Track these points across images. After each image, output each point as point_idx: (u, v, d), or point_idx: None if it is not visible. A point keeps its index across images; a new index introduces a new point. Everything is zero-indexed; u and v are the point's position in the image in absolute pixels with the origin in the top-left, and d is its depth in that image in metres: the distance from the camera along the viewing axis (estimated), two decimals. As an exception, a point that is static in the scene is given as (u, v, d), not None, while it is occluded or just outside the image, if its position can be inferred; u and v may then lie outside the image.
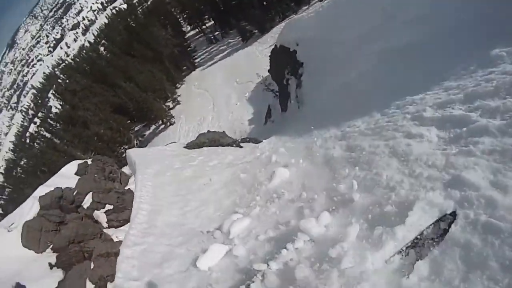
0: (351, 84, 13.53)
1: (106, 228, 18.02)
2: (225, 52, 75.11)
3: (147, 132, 69.81)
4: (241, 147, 19.06)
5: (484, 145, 4.90)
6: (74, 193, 19.16)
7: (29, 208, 18.30)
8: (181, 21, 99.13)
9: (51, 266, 15.43)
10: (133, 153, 18.76)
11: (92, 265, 13.41)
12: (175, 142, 32.71)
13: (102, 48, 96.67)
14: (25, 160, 70.35)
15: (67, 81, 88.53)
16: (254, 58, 57.71)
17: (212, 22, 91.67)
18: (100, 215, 18.23)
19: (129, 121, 71.22)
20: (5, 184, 70.30)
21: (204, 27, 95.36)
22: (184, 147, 20.78)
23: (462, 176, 4.61)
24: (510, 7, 8.41)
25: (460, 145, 5.37)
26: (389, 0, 14.14)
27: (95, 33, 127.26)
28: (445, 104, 6.70)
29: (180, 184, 13.34)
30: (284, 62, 24.13)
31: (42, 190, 18.72)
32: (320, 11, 19.50)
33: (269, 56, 29.24)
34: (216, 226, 9.03)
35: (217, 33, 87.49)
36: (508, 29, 7.82)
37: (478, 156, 4.78)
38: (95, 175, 20.75)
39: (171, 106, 69.44)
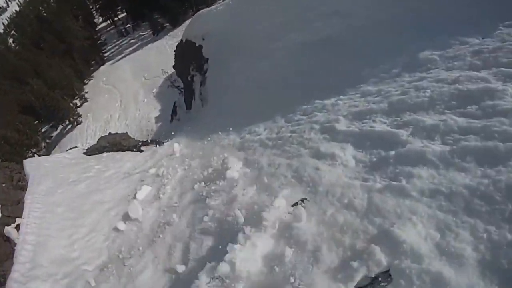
0: (258, 81, 12.34)
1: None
2: (135, 46, 73.51)
3: (55, 133, 66.09)
4: (141, 151, 17.78)
5: (422, 181, 3.56)
6: None
7: None
8: (93, 12, 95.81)
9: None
10: (28, 165, 17.36)
11: None
12: (76, 147, 30.62)
13: (11, 40, 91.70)
14: None
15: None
16: (164, 53, 56.40)
17: (125, 13, 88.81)
18: (12, 231, 16.44)
19: (36, 121, 66.57)
20: None
21: (116, 18, 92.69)
22: (84, 153, 19.27)
23: (393, 233, 3.19)
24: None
25: (387, 176, 4.11)
26: None
27: (5, 23, 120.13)
28: (363, 114, 5.45)
29: (71, 203, 12.21)
30: (190, 58, 22.84)
31: None
32: (230, 3, 18.21)
33: (174, 51, 27.98)
34: (103, 260, 8.53)
35: (128, 25, 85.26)
36: (440, 27, 6.64)
37: (415, 198, 3.45)
38: (3, 184, 19.07)
39: (78, 104, 66.05)
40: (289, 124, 7.46)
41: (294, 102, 8.19)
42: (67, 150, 26.83)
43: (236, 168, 7.83)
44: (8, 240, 16.19)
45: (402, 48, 7.04)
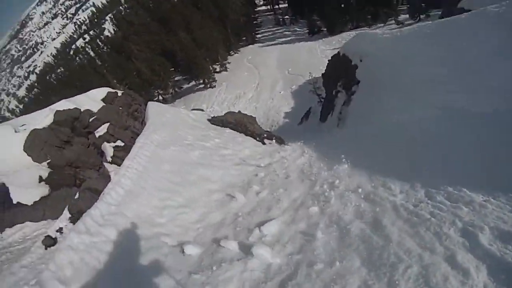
0: (405, 129, 11.64)
1: (109, 162, 17.11)
2: (288, 38, 74.43)
3: (185, 86, 69.89)
4: (264, 143, 17.52)
5: None
6: (92, 119, 18.68)
7: (43, 117, 17.66)
8: None
9: (40, 179, 14.92)
10: (151, 108, 17.88)
11: (77, 195, 12.37)
12: (202, 110, 31.17)
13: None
14: (62, 69, 71.13)
15: (128, 10, 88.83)
16: (314, 55, 56.41)
17: (286, 5, 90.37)
18: (108, 148, 17.53)
19: (172, 68, 70.99)
20: (36, 84, 71.35)
21: (276, 7, 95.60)
22: (208, 119, 19.49)
23: None
24: None
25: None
26: (477, 52, 11.87)
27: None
28: (509, 237, 4.84)
29: (179, 166, 12.19)
30: (341, 73, 22.48)
31: (63, 104, 18.32)
32: (399, 36, 17.40)
33: (328, 60, 27.47)
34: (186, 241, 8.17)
35: (287, 17, 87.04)
36: None
37: None
38: (120, 107, 20.10)
39: (217, 70, 68.67)
40: (429, 201, 6.70)
41: (441, 176, 7.62)
42: (191, 109, 27.31)
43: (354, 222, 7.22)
44: (101, 154, 17.08)
45: None
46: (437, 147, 9.30)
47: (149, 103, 19.53)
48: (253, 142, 17.05)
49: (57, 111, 17.64)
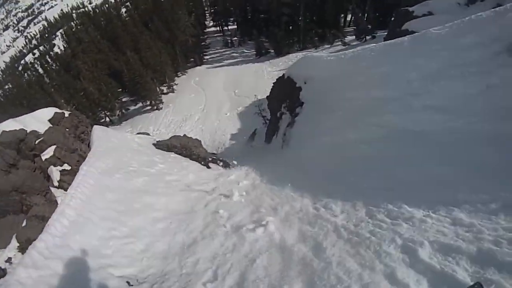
0: (346, 151, 11.90)
1: (55, 187, 16.68)
2: (235, 60, 75.38)
3: (132, 107, 68.76)
4: (209, 167, 17.55)
5: None
6: (38, 141, 17.69)
7: None
8: (207, 14, 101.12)
9: (-16, 206, 14.65)
10: (96, 132, 17.66)
11: (25, 223, 11.98)
12: (148, 134, 30.99)
13: (124, 10, 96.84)
14: (10, 86, 69.70)
15: (79, 27, 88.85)
16: (260, 77, 57.54)
17: (235, 27, 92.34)
18: (55, 172, 16.81)
19: (120, 89, 70.58)
20: None
21: (226, 28, 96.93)
22: (154, 143, 19.36)
23: None
24: None
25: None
26: (417, 75, 12.19)
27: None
28: (449, 250, 4.97)
29: (124, 194, 12.09)
30: (286, 95, 22.80)
31: (9, 124, 17.36)
32: (342, 58, 17.52)
33: (273, 83, 27.69)
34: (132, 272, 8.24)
35: (235, 38, 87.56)
36: None
37: None
38: (67, 129, 19.57)
39: (164, 91, 68.48)
40: (370, 220, 6.86)
41: (381, 194, 7.82)
42: (137, 133, 27.14)
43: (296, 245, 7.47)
44: (48, 178, 16.64)
45: (509, 178, 6.31)
46: (375, 166, 9.58)
47: (94, 127, 19.23)
48: (198, 167, 17.09)
49: (3, 131, 16.64)
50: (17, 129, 16.89)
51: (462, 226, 5.65)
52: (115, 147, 16.29)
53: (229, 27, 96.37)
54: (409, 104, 10.71)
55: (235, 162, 19.81)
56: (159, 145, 19.59)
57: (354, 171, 10.12)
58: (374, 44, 15.05)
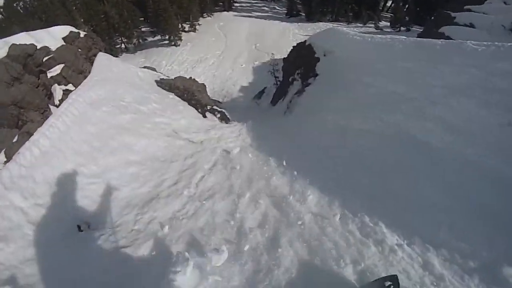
0: (345, 137, 11.14)
1: (55, 106, 16.25)
2: (265, 13, 74.81)
3: (150, 39, 67.78)
4: (205, 116, 16.89)
5: None
6: (48, 57, 17.31)
7: None
8: None
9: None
10: (99, 60, 17.20)
11: (16, 138, 11.54)
12: (154, 69, 29.98)
13: None
14: None
15: None
16: (285, 37, 56.96)
17: None
18: (58, 91, 16.35)
19: (142, 18, 69.46)
20: (0, 9, 68.69)
21: None
22: (156, 80, 18.64)
23: None
24: None
25: None
26: (441, 83, 11.23)
27: None
28: None
29: (104, 129, 11.43)
30: (302, 62, 21.96)
31: (22, 37, 17.15)
32: (369, 41, 16.03)
33: (293, 47, 26.89)
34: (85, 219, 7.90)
35: None
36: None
37: None
38: (79, 49, 19.17)
39: (186, 29, 67.38)
40: (339, 227, 6.30)
41: (364, 200, 7.14)
42: (143, 67, 26.48)
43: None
44: (49, 96, 16.20)
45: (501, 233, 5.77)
46: (369, 166, 8.92)
47: (99, 54, 18.48)
48: (193, 113, 16.36)
49: (12, 44, 16.27)
50: (27, 43, 16.46)
51: (431, 274, 5.20)
52: (113, 77, 15.51)
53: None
54: (423, 110, 9.96)
55: (234, 116, 19.39)
56: (161, 83, 18.83)
57: (346, 163, 9.46)
58: (405, 37, 14.01)
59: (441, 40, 12.65)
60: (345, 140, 11.02)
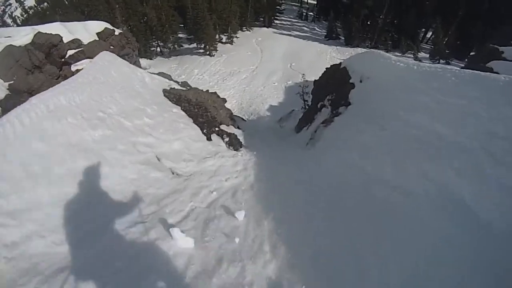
0: (368, 192, 8.46)
1: None
2: (304, 34, 75.99)
3: (186, 46, 68.68)
4: (210, 139, 14.25)
5: None
6: (77, 50, 18.35)
7: (23, 35, 17.54)
8: None
9: (-4, 94, 14.47)
10: (100, 58, 14.96)
11: None
12: (170, 76, 27.66)
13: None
14: None
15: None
16: (322, 59, 57.18)
17: (315, 2, 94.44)
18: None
19: (181, 25, 71.36)
20: None
21: (304, 0, 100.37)
22: (164, 89, 16.46)
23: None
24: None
25: None
26: (504, 130, 8.35)
27: None
28: None
29: (55, 150, 8.26)
30: (334, 87, 19.44)
31: (53, 27, 18.03)
32: (414, 70, 13.00)
33: (326, 68, 24.95)
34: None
35: (311, 13, 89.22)
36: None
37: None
38: (111, 46, 18.81)
39: (223, 40, 68.38)
40: None
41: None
42: (158, 73, 24.85)
43: None
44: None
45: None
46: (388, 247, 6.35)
47: (103, 52, 15.99)
48: (195, 134, 13.39)
49: (38, 32, 16.91)
50: (53, 33, 17.48)
51: None
52: (105, 82, 12.60)
53: (309, 0, 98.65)
54: (481, 171, 7.13)
55: (249, 141, 17.13)
56: (169, 93, 16.37)
57: (364, 237, 6.70)
58: (458, 68, 11.08)
59: (504, 75, 9.67)
60: (369, 197, 8.33)
